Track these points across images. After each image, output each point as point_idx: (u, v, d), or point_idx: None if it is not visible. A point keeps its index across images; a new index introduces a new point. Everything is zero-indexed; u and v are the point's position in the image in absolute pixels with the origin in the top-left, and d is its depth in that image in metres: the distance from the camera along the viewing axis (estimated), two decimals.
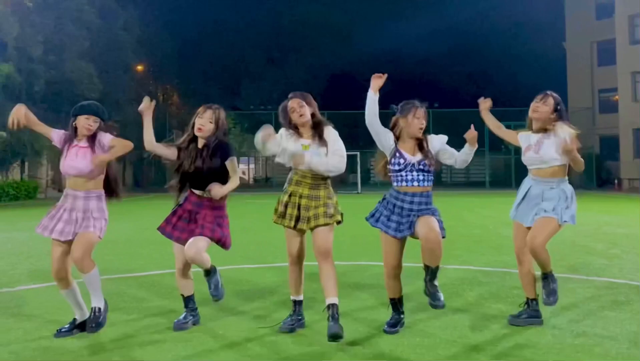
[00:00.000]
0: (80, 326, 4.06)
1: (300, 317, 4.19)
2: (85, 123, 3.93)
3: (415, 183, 3.87)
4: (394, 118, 4.01)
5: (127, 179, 39.71)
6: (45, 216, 3.98)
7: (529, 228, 4.10)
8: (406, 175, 3.88)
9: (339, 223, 4.06)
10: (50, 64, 27.07)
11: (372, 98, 3.89)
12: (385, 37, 48.08)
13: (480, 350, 3.68)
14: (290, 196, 4.02)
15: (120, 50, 33.34)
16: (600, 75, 36.81)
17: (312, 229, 3.95)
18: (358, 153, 30.70)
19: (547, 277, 4.10)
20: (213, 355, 3.65)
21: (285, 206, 4.03)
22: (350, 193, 27.67)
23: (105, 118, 4.05)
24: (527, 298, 4.28)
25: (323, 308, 3.90)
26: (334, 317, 3.79)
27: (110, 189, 4.13)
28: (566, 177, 4.13)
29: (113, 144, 3.94)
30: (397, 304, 4.13)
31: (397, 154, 3.94)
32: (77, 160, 3.90)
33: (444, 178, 41.53)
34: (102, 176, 4.04)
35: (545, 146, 4.06)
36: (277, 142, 4.02)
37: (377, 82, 3.89)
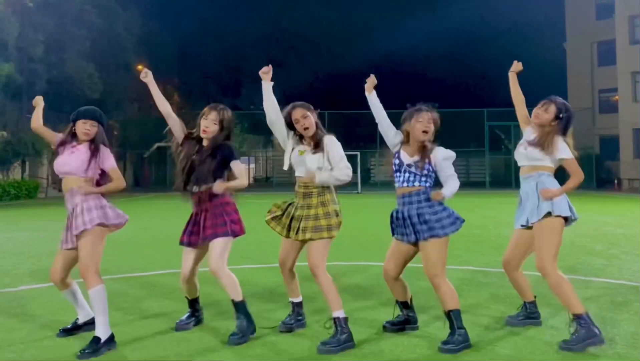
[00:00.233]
0: (82, 327, 4.09)
1: (300, 317, 4.22)
2: (83, 128, 3.93)
3: (405, 184, 3.88)
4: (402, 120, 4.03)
5: (127, 179, 39.72)
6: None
7: (525, 229, 4.07)
8: (400, 176, 3.91)
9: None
10: (51, 63, 27.12)
11: (368, 98, 4.13)
12: (385, 37, 48.07)
13: (479, 350, 3.71)
14: (290, 205, 4.05)
15: (121, 50, 33.39)
16: (600, 75, 36.84)
17: (303, 241, 3.95)
18: (358, 153, 30.74)
19: (574, 320, 3.79)
20: (214, 355, 3.67)
21: (283, 213, 4.05)
22: (350, 193, 27.68)
23: (104, 122, 4.05)
24: (524, 302, 4.30)
25: (325, 322, 3.93)
26: (335, 330, 3.76)
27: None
28: (548, 172, 3.96)
29: (114, 177, 3.93)
30: (400, 306, 4.16)
31: (396, 155, 3.99)
32: (70, 158, 3.89)
33: None
34: (95, 177, 4.00)
35: (534, 149, 3.99)
36: (277, 109, 4.08)
37: (367, 84, 4.15)
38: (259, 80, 4.15)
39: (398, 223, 3.93)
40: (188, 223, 4.14)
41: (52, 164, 4.06)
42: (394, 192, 4.01)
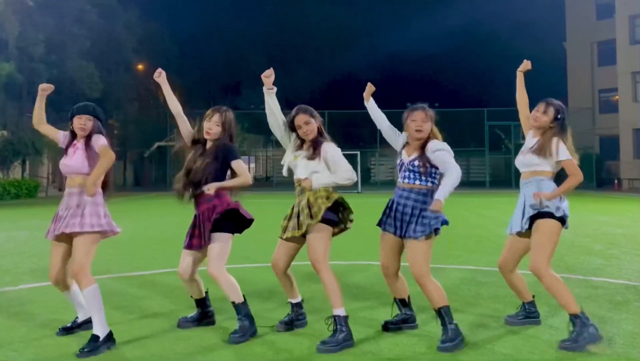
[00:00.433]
0: (82, 325, 4.09)
1: (300, 317, 4.22)
2: (79, 123, 3.96)
3: (406, 180, 3.91)
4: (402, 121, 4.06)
5: (127, 178, 39.76)
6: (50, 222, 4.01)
7: (523, 236, 4.07)
8: (402, 174, 3.96)
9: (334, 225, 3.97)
10: (52, 63, 27.14)
11: (367, 106, 4.28)
12: (386, 37, 48.11)
13: (478, 349, 3.71)
14: (292, 209, 4.05)
15: (121, 50, 33.43)
16: (600, 75, 36.83)
17: (303, 235, 3.94)
18: (358, 153, 30.76)
19: (571, 319, 3.81)
20: (213, 354, 3.68)
21: (289, 220, 4.04)
22: (350, 193, 27.67)
23: (100, 116, 4.06)
24: (523, 302, 4.31)
25: (325, 319, 3.94)
26: (335, 328, 3.77)
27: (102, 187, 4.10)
28: (547, 177, 3.98)
29: (101, 153, 3.87)
30: (398, 304, 4.17)
31: (399, 154, 4.05)
32: (72, 159, 3.92)
33: None
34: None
35: (532, 155, 4.02)
36: (277, 107, 4.18)
37: (365, 93, 4.29)
38: (259, 80, 4.17)
39: (389, 214, 3.95)
40: (190, 226, 4.13)
41: (55, 164, 4.08)
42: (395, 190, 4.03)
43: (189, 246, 4.06)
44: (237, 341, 3.84)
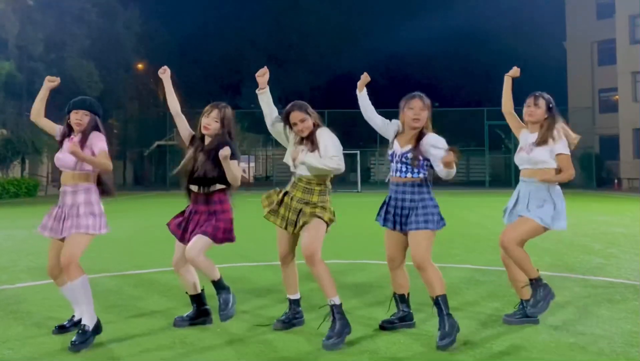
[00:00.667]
0: (78, 324, 4.07)
1: (298, 315, 4.21)
2: (75, 118, 3.95)
3: (398, 174, 3.90)
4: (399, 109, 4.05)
5: (127, 177, 39.77)
6: (45, 215, 4.02)
7: None
8: (394, 166, 3.94)
9: (328, 225, 3.96)
10: (51, 62, 27.12)
11: (358, 96, 4.29)
12: (386, 36, 48.10)
13: (477, 349, 3.70)
14: (285, 195, 4.03)
15: (121, 49, 33.43)
16: (600, 75, 36.80)
17: (301, 227, 3.93)
18: (358, 152, 30.76)
19: (531, 284, 3.98)
20: (211, 353, 3.67)
21: (279, 205, 4.04)
22: (350, 192, 27.69)
23: (97, 111, 4.04)
24: (521, 300, 4.31)
25: (320, 307, 3.92)
26: (332, 319, 3.77)
27: (101, 186, 4.06)
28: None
29: (99, 157, 3.83)
30: (397, 300, 4.16)
31: (390, 145, 4.02)
32: (66, 154, 3.88)
33: None
34: (94, 171, 3.97)
35: (538, 150, 4.04)
36: (271, 104, 4.21)
37: (359, 82, 4.28)
38: None
39: (388, 210, 3.95)
40: (183, 213, 4.12)
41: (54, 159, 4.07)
42: None
43: (182, 239, 4.07)
44: (227, 317, 3.85)
